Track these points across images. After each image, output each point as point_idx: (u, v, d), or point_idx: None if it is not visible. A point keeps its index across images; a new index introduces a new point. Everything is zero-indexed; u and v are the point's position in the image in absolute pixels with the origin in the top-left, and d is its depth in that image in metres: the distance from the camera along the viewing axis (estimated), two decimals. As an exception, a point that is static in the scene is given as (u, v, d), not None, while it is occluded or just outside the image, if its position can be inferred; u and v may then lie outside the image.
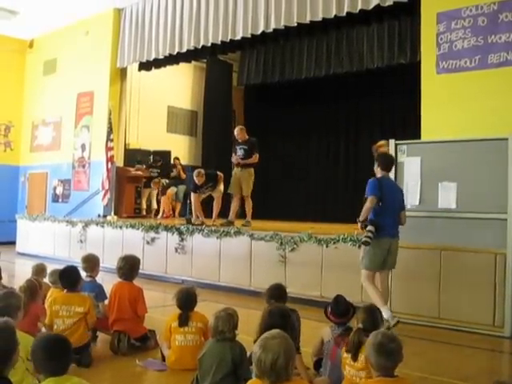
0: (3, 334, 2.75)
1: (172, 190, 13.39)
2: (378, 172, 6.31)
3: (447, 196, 6.75)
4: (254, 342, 3.78)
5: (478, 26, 7.52)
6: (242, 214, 10.38)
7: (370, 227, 5.99)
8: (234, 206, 10.20)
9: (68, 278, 5.02)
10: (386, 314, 5.71)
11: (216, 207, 10.51)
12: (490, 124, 7.21)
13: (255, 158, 9.93)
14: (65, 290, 5.02)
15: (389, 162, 6.42)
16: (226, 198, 10.61)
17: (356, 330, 3.68)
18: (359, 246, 7.15)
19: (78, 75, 13.94)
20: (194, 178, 10.47)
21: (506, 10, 7.28)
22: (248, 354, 3.92)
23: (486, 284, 6.33)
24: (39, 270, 6.03)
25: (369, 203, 6.03)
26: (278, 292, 4.64)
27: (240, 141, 10.06)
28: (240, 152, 9.98)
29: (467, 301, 6.44)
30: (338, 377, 3.77)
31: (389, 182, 6.35)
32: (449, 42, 7.77)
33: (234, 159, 10.08)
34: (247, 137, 10.14)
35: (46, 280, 5.92)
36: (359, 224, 6.18)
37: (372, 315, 3.77)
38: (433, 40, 7.93)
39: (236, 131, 10.25)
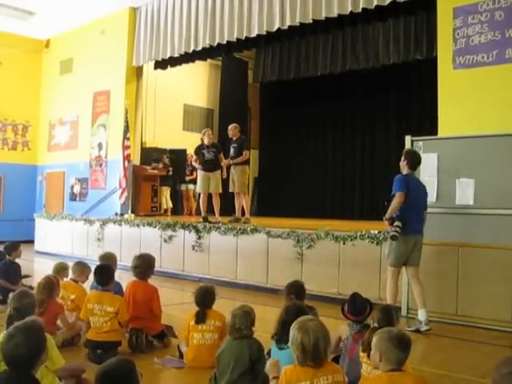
0: (33, 333, 2.73)
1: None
2: (405, 169, 6.32)
3: (465, 192, 6.69)
4: (272, 337, 3.81)
5: (495, 21, 7.44)
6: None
7: (397, 222, 6.02)
8: (238, 203, 10.44)
9: (103, 275, 5.12)
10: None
11: (216, 204, 10.51)
12: (508, 119, 7.13)
13: (245, 155, 10.21)
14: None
15: (417, 161, 6.40)
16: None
17: (371, 330, 3.67)
18: (377, 243, 7.17)
19: (94, 74, 14.03)
20: (203, 136, 10.54)
21: (524, 3, 7.21)
22: (265, 351, 3.94)
23: (505, 280, 6.27)
24: (60, 269, 6.11)
25: (397, 199, 6.04)
26: (296, 289, 4.69)
27: (234, 138, 10.39)
28: (232, 150, 10.29)
29: (485, 297, 6.39)
30: (356, 372, 3.76)
31: (415, 180, 6.36)
32: (465, 37, 7.69)
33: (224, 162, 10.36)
34: (239, 135, 10.50)
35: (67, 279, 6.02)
36: (386, 221, 6.18)
37: (388, 315, 3.77)
38: (449, 35, 7.86)
39: (229, 128, 10.54)
